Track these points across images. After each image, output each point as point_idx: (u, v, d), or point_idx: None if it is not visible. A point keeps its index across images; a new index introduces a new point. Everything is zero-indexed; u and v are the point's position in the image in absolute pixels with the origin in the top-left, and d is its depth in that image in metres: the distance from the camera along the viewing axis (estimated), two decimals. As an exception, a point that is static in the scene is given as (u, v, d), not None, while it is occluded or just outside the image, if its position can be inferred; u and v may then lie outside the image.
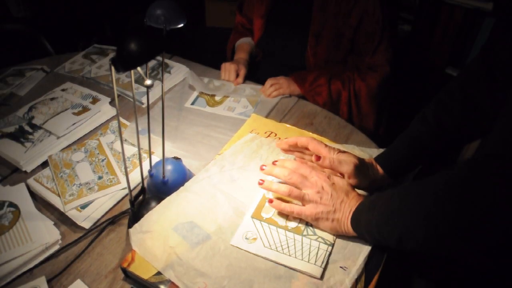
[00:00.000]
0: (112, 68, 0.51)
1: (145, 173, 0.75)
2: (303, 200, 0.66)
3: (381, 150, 0.84)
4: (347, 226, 0.64)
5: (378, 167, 0.74)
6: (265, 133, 0.91)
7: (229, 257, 0.64)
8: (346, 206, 0.65)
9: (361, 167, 0.70)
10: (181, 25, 0.67)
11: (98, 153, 0.90)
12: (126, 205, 0.80)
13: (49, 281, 0.66)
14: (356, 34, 1.14)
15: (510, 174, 0.43)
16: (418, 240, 0.52)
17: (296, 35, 1.22)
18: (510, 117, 0.49)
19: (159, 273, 0.62)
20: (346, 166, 0.69)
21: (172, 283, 0.60)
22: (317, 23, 1.15)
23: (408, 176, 0.78)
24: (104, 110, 1.05)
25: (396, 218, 0.55)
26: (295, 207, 0.66)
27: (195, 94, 1.13)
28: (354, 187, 0.70)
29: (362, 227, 0.62)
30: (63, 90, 1.13)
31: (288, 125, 0.94)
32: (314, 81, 1.13)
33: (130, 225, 0.75)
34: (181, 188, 0.75)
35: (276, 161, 0.72)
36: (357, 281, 0.61)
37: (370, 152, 0.84)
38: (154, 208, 0.70)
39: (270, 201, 0.69)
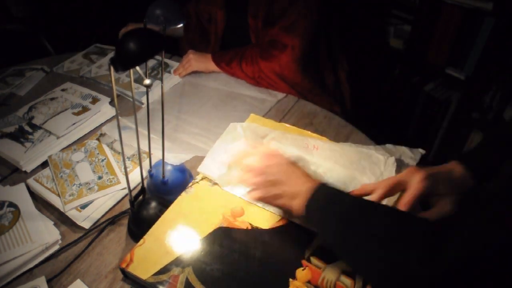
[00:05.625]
0: (111, 68, 0.51)
1: (145, 173, 0.75)
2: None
3: (378, 147, 0.84)
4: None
5: (457, 169, 0.65)
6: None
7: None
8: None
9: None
10: (181, 25, 0.68)
11: (98, 153, 0.90)
12: (126, 205, 0.80)
13: (49, 281, 0.67)
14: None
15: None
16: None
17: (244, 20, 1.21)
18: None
19: (157, 273, 0.62)
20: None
21: (171, 283, 0.60)
22: (252, 3, 1.15)
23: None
24: (104, 110, 1.05)
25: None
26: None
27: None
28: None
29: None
30: (63, 90, 1.13)
31: (287, 125, 0.94)
32: (230, 61, 1.16)
33: (130, 225, 0.75)
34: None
35: None
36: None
37: (366, 149, 0.83)
38: None
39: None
